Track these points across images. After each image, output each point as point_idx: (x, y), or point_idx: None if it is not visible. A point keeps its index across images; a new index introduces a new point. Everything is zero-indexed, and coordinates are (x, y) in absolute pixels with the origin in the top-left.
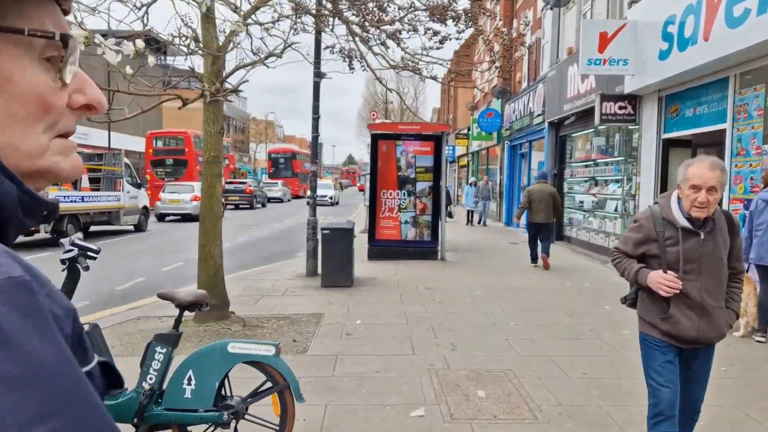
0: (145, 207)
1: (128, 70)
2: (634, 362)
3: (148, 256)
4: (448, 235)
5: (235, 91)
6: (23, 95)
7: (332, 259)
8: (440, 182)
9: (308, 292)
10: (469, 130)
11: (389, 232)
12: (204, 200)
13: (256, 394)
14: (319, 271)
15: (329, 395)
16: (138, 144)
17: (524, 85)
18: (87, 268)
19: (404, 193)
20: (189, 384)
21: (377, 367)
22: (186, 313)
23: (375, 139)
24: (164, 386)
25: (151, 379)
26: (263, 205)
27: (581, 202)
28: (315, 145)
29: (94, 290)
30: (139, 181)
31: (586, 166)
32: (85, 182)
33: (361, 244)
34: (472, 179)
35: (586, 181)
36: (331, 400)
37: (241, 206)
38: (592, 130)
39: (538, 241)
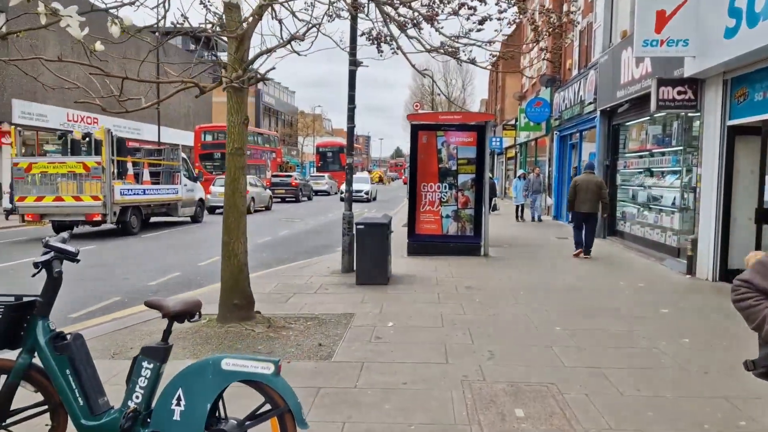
0: (200, 199)
1: (98, 46)
2: (696, 377)
3: (190, 249)
4: (492, 230)
5: (262, 79)
6: None
7: (367, 256)
8: (483, 174)
9: (342, 290)
10: (516, 120)
11: (430, 227)
12: (227, 194)
13: (254, 418)
14: (355, 267)
15: (349, 410)
16: (188, 138)
17: (574, 72)
18: (59, 273)
19: (445, 186)
20: (178, 404)
21: (405, 377)
22: (207, 314)
23: (415, 129)
24: (153, 405)
25: (137, 397)
26: (309, 198)
27: (635, 195)
28: (351, 137)
29: (128, 285)
30: (195, 175)
31: (641, 156)
32: (146, 176)
33: (401, 239)
34: (520, 171)
35: (640, 173)
36: (350, 417)
37: (287, 199)
38: (648, 118)
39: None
